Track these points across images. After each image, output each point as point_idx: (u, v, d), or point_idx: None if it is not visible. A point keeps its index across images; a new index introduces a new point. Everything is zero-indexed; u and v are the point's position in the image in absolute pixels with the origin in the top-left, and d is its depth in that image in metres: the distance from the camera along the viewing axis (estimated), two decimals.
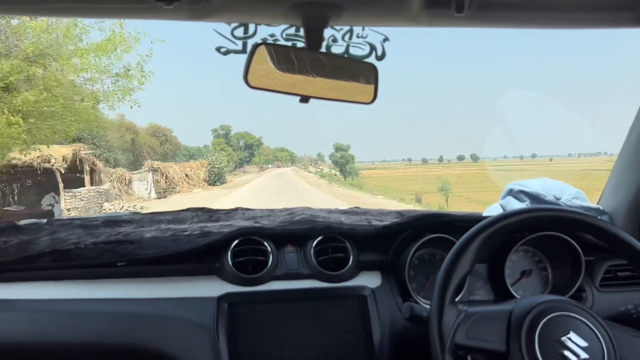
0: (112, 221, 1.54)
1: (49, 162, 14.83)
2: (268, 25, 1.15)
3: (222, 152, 61.87)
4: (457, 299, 0.99)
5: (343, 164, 65.44)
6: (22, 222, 1.50)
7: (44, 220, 1.54)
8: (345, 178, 58.17)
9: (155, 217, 1.64)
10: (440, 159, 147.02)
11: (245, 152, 78.63)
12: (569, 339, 0.92)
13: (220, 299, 1.25)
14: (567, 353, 0.90)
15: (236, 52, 1.19)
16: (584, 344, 0.91)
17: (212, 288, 1.28)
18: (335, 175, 62.58)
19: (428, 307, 1.01)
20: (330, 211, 1.76)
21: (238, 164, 72.99)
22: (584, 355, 0.90)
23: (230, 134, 76.88)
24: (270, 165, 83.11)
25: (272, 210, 1.75)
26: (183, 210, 1.76)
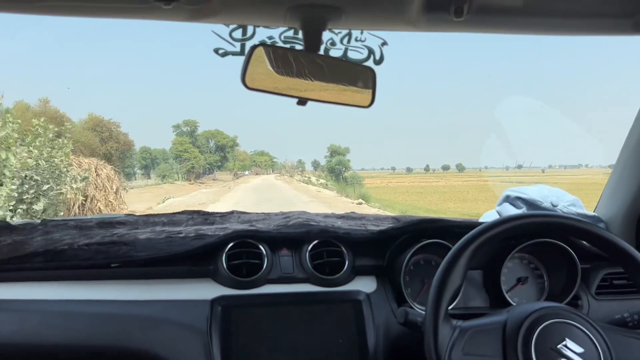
0: (107, 222, 1.53)
1: None
2: (266, 27, 1.15)
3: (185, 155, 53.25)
4: (452, 306, 0.98)
5: (339, 172, 57.65)
6: (16, 222, 1.49)
7: (38, 221, 1.53)
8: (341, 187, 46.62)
9: (150, 219, 1.63)
10: (427, 168, 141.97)
11: (217, 155, 66.34)
12: (565, 346, 0.91)
13: (214, 301, 1.24)
14: None
15: (234, 53, 1.19)
16: (580, 350, 0.91)
17: (206, 291, 1.27)
18: (326, 184, 48.00)
19: (423, 312, 1.01)
20: (326, 215, 1.75)
21: (207, 170, 62.85)
22: None
23: (197, 131, 64.32)
24: (247, 172, 71.15)
25: (267, 214, 1.75)
26: (178, 213, 1.76)
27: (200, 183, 51.68)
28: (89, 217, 1.66)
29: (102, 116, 39.90)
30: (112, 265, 1.26)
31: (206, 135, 67.45)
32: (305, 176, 62.72)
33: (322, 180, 53.69)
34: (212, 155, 66.74)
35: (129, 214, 1.71)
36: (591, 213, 1.64)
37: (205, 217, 1.71)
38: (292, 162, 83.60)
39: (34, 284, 1.25)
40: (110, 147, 37.95)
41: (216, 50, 1.19)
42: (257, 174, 73.87)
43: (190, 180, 52.63)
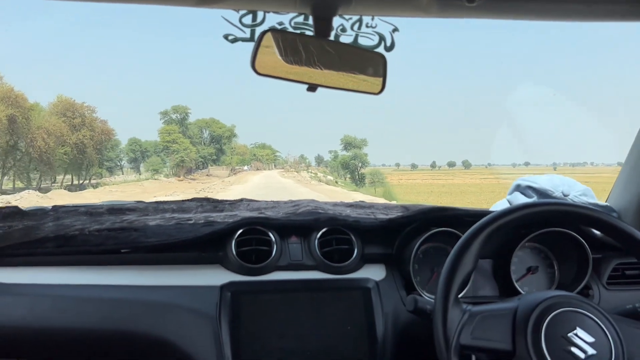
0: (117, 209, 1.54)
1: None
2: (276, 13, 1.14)
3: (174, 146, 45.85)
4: (461, 295, 0.98)
5: (355, 168, 48.69)
6: (27, 208, 1.50)
7: (49, 207, 1.55)
8: (358, 187, 41.26)
9: (159, 206, 1.64)
10: (434, 165, 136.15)
11: (211, 147, 58.56)
12: (576, 334, 0.91)
13: (223, 287, 1.24)
14: (574, 349, 0.89)
15: (244, 40, 1.18)
16: (590, 339, 0.90)
17: (215, 277, 1.27)
18: (338, 182, 44.18)
19: (433, 300, 1.00)
20: (335, 204, 1.75)
21: (200, 164, 55.22)
22: (591, 351, 0.89)
23: (188, 119, 55.68)
24: (245, 167, 61.30)
25: (277, 202, 1.75)
26: (188, 200, 1.77)
27: (191, 179, 46.66)
28: (99, 203, 1.67)
29: (74, 99, 33.63)
30: (122, 250, 1.27)
31: (199, 125, 59.59)
32: (311, 172, 56.19)
33: (328, 176, 47.96)
34: (206, 147, 58.81)
35: (139, 201, 1.72)
36: (603, 203, 1.62)
37: (215, 204, 1.71)
38: (295, 157, 75.84)
39: (45, 269, 1.26)
40: (84, 135, 32.32)
41: (226, 37, 1.18)
42: (257, 169, 64.41)
43: (179, 176, 46.84)
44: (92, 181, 39.15)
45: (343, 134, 53.05)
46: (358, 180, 45.79)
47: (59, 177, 35.90)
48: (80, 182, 36.24)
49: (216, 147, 60.16)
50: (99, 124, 35.59)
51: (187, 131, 54.55)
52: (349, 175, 48.92)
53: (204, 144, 60.07)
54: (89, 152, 33.45)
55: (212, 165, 58.47)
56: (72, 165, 33.74)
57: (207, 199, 1.78)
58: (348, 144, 52.14)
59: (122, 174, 49.33)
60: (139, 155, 52.32)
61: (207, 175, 52.53)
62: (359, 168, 48.86)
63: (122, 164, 53.80)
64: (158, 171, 46.13)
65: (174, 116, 55.55)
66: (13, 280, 1.24)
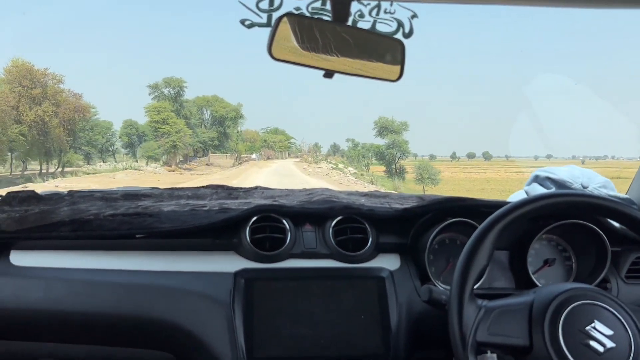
0: (132, 194, 1.55)
1: None
2: None
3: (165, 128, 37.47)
4: (477, 286, 0.96)
5: (391, 159, 36.88)
6: (43, 192, 1.51)
7: (65, 191, 1.56)
8: (399, 183, 33.60)
9: (174, 193, 1.64)
10: (454, 156, 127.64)
11: (213, 131, 47.58)
12: (594, 328, 0.89)
13: (237, 274, 1.25)
14: (592, 343, 0.87)
15: (261, 25, 1.17)
16: (609, 332, 0.88)
17: (229, 263, 1.27)
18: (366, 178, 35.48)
19: (447, 290, 0.99)
20: (349, 193, 1.74)
21: (199, 150, 46.24)
22: (610, 344, 0.87)
23: (183, 95, 44.24)
24: (254, 156, 51.01)
25: (291, 190, 1.75)
26: (203, 187, 1.77)
27: (185, 169, 37.89)
28: (114, 189, 1.68)
29: (32, 64, 25.89)
30: (137, 235, 1.27)
31: (199, 103, 48.35)
32: (331, 163, 45.46)
33: (350, 169, 39.56)
34: (207, 130, 47.89)
35: (154, 187, 1.73)
36: (624, 195, 1.59)
37: (229, 191, 1.71)
38: (310, 144, 62.50)
39: (60, 253, 1.28)
40: (44, 111, 25.00)
41: (242, 22, 1.17)
42: (269, 158, 53.59)
43: (170, 166, 37.41)
44: (68, 169, 31.96)
45: (377, 116, 40.13)
46: (396, 175, 35.23)
47: (27, 164, 30.11)
48: (49, 170, 30.30)
49: (219, 130, 48.30)
50: (70, 99, 27.70)
51: (182, 110, 43.57)
52: (384, 168, 37.41)
53: (205, 126, 48.76)
54: (55, 133, 26.48)
55: (213, 153, 47.64)
56: (34, 150, 27.01)
57: (222, 186, 1.78)
58: (383, 129, 38.51)
59: (115, 161, 42.16)
60: (135, 139, 44.40)
61: (206, 164, 42.96)
62: (396, 159, 37.02)
63: (115, 148, 46.30)
64: (155, 158, 38.52)
65: (165, 91, 43.53)
66: (28, 263, 1.26)
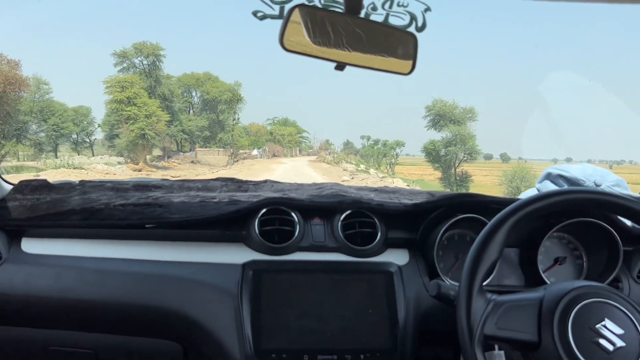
0: (143, 185, 1.56)
1: None
2: None
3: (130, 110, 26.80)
4: (486, 283, 0.96)
5: (451, 161, 27.11)
6: (55, 182, 1.53)
7: (77, 181, 1.57)
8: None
9: (185, 184, 1.65)
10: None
11: (203, 118, 35.96)
12: (604, 326, 0.88)
13: (246, 265, 1.25)
14: (602, 341, 0.86)
15: (273, 17, 1.16)
16: (619, 331, 0.87)
17: (237, 255, 1.28)
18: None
19: (456, 286, 0.98)
20: (359, 188, 1.74)
21: (187, 144, 36.00)
22: (620, 343, 0.86)
23: (160, 67, 32.03)
24: (255, 152, 38.43)
25: (300, 184, 1.75)
26: (213, 180, 1.78)
27: (159, 168, 27.86)
28: (125, 179, 1.70)
29: None
30: (147, 225, 1.28)
31: (186, 82, 36.34)
32: (351, 162, 36.40)
33: (372, 170, 30.26)
34: (196, 117, 36.03)
35: (165, 179, 1.74)
36: (637, 194, 1.57)
37: (239, 184, 1.72)
38: (321, 141, 51.70)
39: (71, 241, 1.29)
40: None
41: (255, 13, 1.17)
42: (274, 155, 40.68)
43: (136, 163, 27.54)
44: (5, 164, 25.43)
45: (432, 99, 29.47)
46: (455, 184, 25.68)
47: None
48: None
49: (211, 116, 36.04)
50: (2, 66, 19.69)
51: (158, 87, 31.30)
52: (440, 171, 27.33)
53: (193, 112, 36.83)
54: None
55: (202, 147, 35.54)
56: None
57: (232, 179, 1.79)
58: (439, 117, 27.42)
59: (93, 155, 33.86)
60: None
61: (191, 162, 32.15)
62: (455, 162, 26.69)
63: (93, 140, 36.79)
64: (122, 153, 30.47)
65: (136, 61, 31.00)
66: (39, 251, 1.27)
